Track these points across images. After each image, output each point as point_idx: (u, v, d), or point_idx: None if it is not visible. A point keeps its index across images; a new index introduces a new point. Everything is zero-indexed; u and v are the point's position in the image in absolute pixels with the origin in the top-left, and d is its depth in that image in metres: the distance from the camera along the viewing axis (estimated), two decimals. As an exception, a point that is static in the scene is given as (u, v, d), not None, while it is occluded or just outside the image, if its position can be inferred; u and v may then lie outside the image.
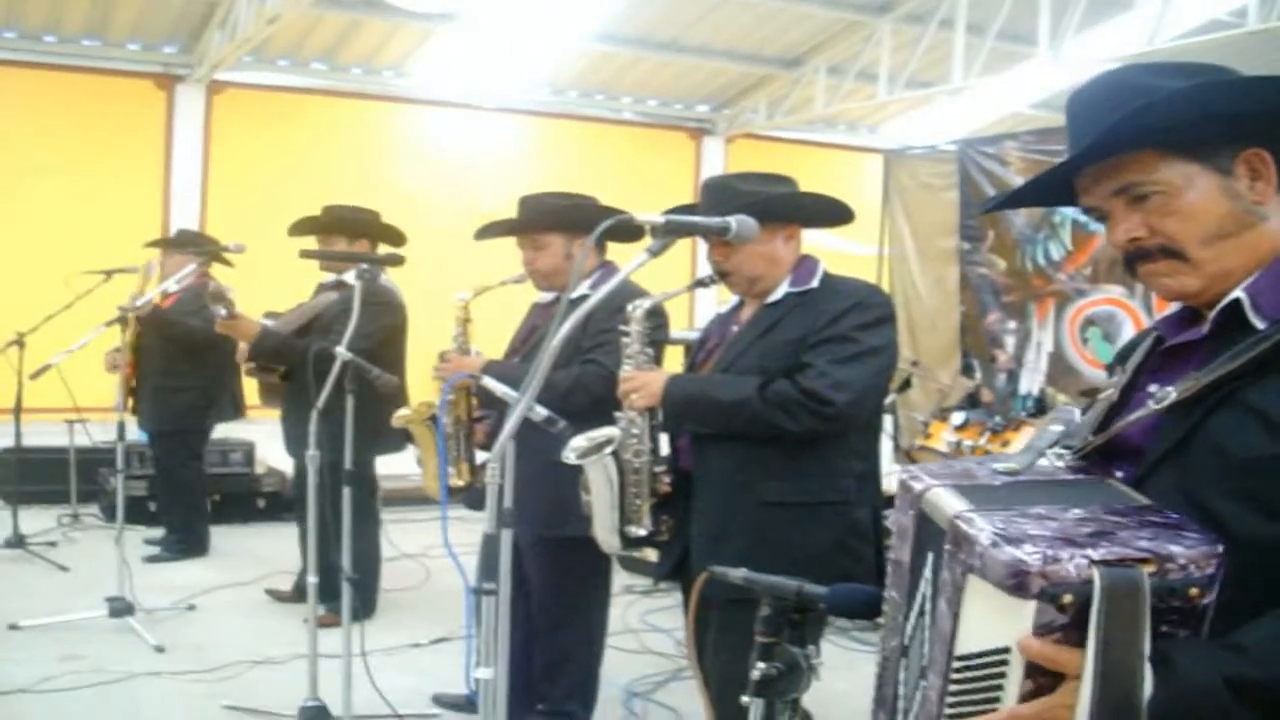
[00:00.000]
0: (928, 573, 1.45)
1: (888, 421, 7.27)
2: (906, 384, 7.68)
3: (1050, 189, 1.73)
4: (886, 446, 3.78)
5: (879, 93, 13.58)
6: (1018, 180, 7.80)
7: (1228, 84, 1.53)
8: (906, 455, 7.83)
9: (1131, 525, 1.34)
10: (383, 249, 5.60)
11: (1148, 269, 1.59)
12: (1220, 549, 1.31)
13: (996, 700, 1.36)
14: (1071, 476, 1.52)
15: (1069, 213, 7.52)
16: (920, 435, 7.11)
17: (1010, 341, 7.97)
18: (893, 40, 13.24)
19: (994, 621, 1.32)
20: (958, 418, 6.64)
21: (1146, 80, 1.56)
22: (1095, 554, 1.28)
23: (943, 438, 6.68)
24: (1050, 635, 1.30)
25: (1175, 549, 1.30)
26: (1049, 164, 6.37)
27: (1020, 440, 6.35)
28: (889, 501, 3.15)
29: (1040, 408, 7.33)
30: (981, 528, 1.32)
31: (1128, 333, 7.12)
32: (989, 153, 8.14)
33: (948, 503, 1.40)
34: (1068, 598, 1.27)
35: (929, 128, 16.01)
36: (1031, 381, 7.75)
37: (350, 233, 5.52)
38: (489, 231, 4.19)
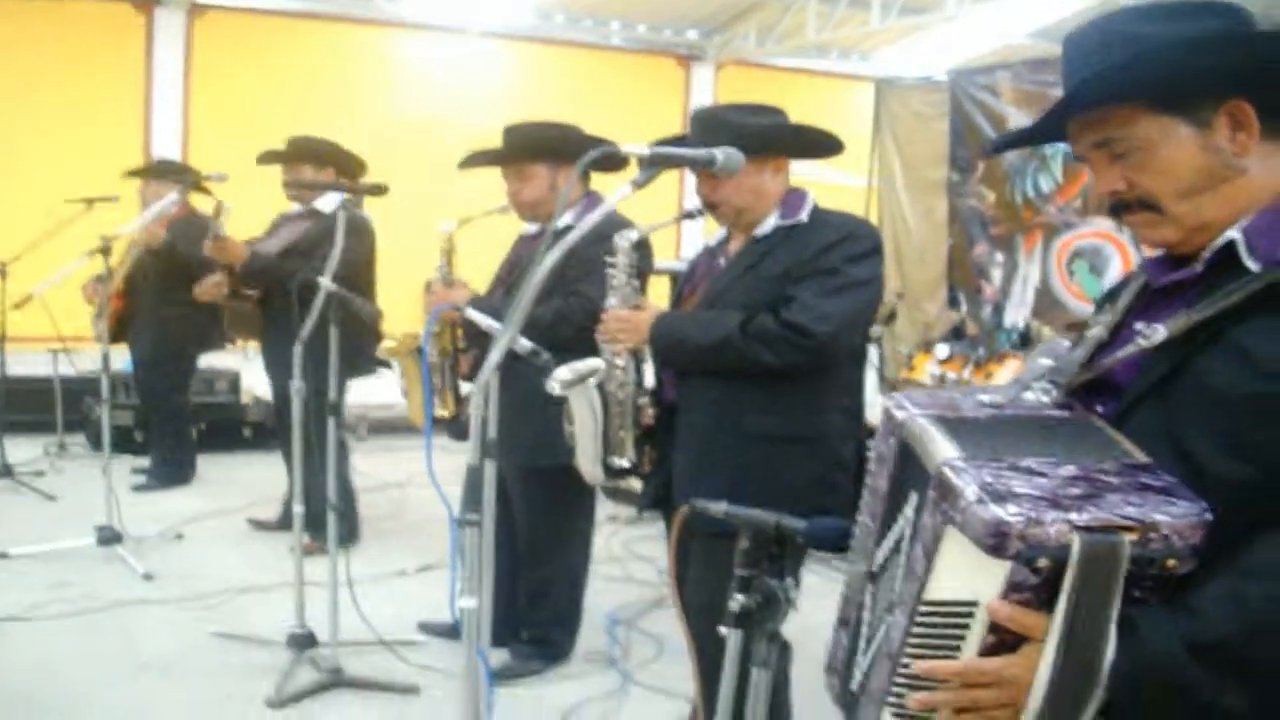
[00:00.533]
0: (909, 511, 1.44)
1: (873, 353, 7.29)
2: (892, 315, 7.69)
3: (1048, 131, 1.72)
4: (871, 378, 3.79)
5: (872, 20, 13.45)
6: (1010, 111, 7.75)
7: (1220, 39, 1.51)
8: (891, 387, 7.86)
9: (1123, 487, 1.32)
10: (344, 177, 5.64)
11: (1129, 219, 1.61)
12: (1208, 518, 1.30)
13: (957, 648, 1.37)
14: (1058, 414, 1.52)
15: (1060, 144, 7.48)
16: (904, 367, 7.14)
17: (997, 274, 7.95)
18: (885, -34, 13.08)
19: (967, 574, 1.32)
20: (942, 350, 6.67)
21: (1139, 28, 1.54)
22: (1079, 518, 1.26)
23: (926, 370, 6.71)
24: (1020, 594, 1.31)
25: (1161, 517, 1.28)
26: (1042, 95, 6.31)
27: (1004, 373, 6.39)
28: (873, 434, 3.17)
29: (1025, 341, 7.36)
30: (968, 481, 1.31)
31: (1115, 267, 7.12)
32: (981, 83, 8.07)
33: (939, 447, 1.39)
34: (1043, 561, 1.26)
35: (922, 56, 15.87)
36: (1017, 314, 7.75)
37: (316, 161, 5.60)
38: (473, 161, 4.16)
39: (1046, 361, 1.65)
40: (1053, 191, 7.58)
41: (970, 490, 1.29)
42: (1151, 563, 1.28)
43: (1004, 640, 1.33)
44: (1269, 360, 1.38)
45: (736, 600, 1.85)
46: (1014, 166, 7.80)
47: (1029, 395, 1.56)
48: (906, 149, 8.76)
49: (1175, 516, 1.28)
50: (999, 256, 7.94)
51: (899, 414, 1.50)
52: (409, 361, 4.15)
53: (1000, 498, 1.28)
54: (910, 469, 1.46)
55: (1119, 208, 1.60)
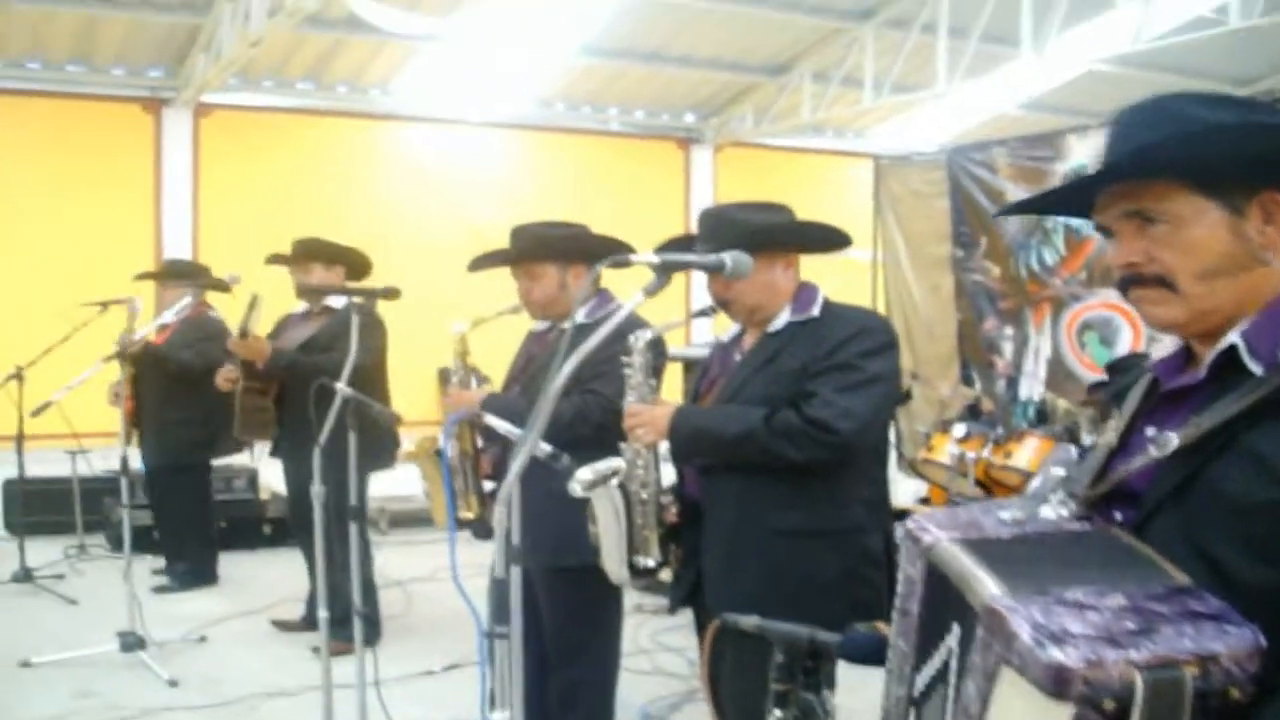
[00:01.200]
0: (953, 642, 1.44)
1: (890, 432, 7.29)
2: (907, 395, 7.70)
3: (1070, 199, 1.74)
4: (890, 457, 3.80)
5: (864, 98, 13.64)
6: (1008, 185, 7.84)
7: (1261, 128, 1.54)
8: (910, 467, 7.86)
9: (1174, 617, 1.31)
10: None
11: (1138, 294, 1.62)
12: (1263, 644, 1.30)
13: None
14: (1079, 528, 1.53)
15: (1061, 218, 7.55)
16: (923, 448, 7.14)
17: (1008, 348, 7.99)
18: (876, 45, 13.30)
19: (1026, 715, 1.30)
20: (959, 429, 6.67)
21: (1191, 110, 1.57)
22: (1139, 656, 1.26)
23: (945, 450, 6.71)
24: None
25: (1218, 648, 1.28)
26: (1037, 170, 6.37)
27: (1022, 451, 6.38)
28: (899, 516, 3.18)
29: (1041, 415, 7.36)
30: (1021, 622, 1.29)
31: (1125, 338, 7.15)
32: (978, 159, 8.17)
33: (981, 583, 1.37)
34: (1109, 703, 1.25)
35: (917, 131, 16.08)
36: (1031, 388, 7.77)
37: (325, 259, 5.72)
38: (483, 263, 4.21)
39: (1059, 471, 1.66)
40: (1057, 264, 7.64)
41: (1025, 632, 1.28)
42: (1214, 693, 1.27)
43: None
44: None
45: (774, 716, 1.86)
46: (1016, 241, 7.87)
47: (1047, 509, 1.57)
48: (908, 226, 8.82)
49: (1232, 646, 1.28)
50: (1009, 330, 7.98)
51: (925, 538, 1.49)
52: (429, 465, 4.17)
53: (1057, 639, 1.26)
54: (945, 596, 1.46)
55: (1130, 280, 1.61)
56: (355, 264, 5.81)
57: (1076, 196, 1.71)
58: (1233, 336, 1.53)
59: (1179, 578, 1.40)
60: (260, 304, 5.27)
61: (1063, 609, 1.31)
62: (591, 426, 3.70)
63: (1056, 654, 1.25)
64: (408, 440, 4.34)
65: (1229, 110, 1.57)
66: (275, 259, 5.76)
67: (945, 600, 1.46)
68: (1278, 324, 1.53)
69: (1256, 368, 1.49)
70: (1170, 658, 1.26)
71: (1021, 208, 1.94)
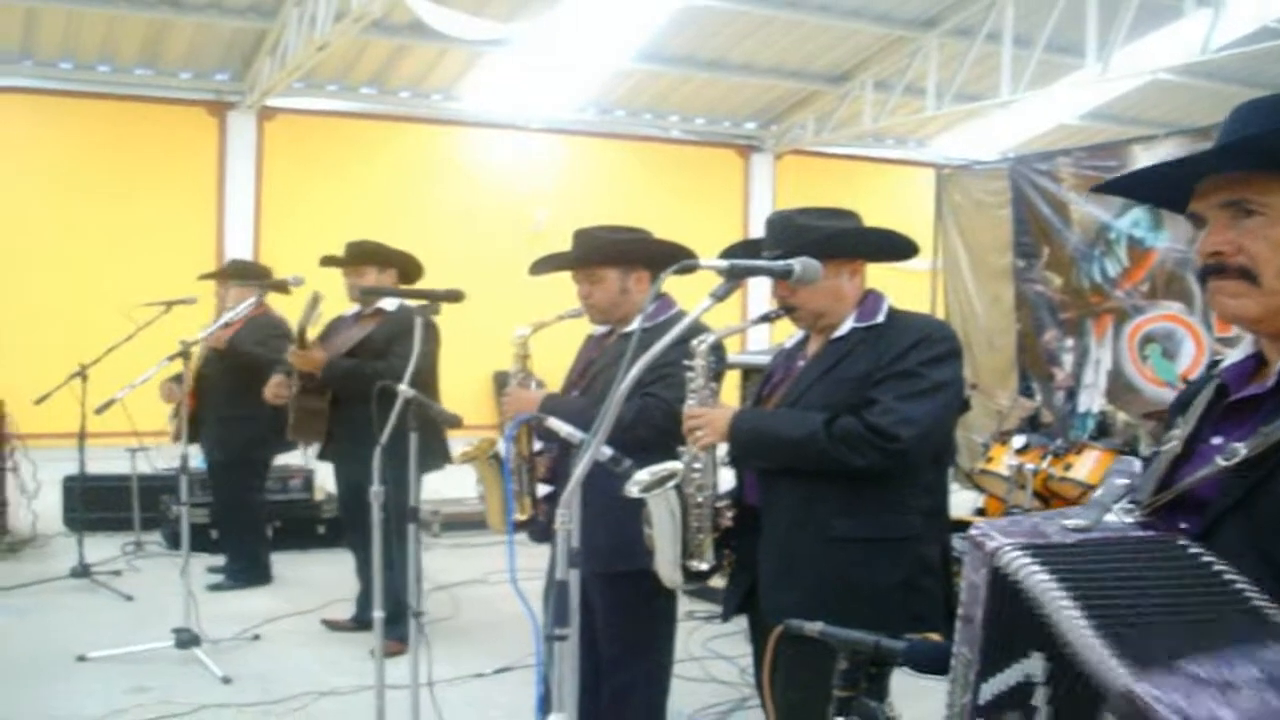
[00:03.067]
0: (1036, 672, 1.41)
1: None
2: (965, 405, 7.63)
3: (1171, 184, 1.71)
4: (948, 470, 3.77)
5: (927, 107, 13.55)
6: (1071, 196, 7.77)
7: None
8: (968, 478, 7.78)
9: None
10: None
11: (1217, 284, 1.60)
12: None
13: None
14: (1142, 534, 1.51)
15: (1124, 228, 7.46)
16: (981, 459, 7.06)
17: (1068, 360, 7.90)
18: (940, 54, 13.21)
19: None
20: (1018, 441, 6.60)
21: None
22: None
23: (1004, 461, 6.64)
24: None
25: None
26: (1101, 180, 6.31)
27: (1083, 463, 6.30)
28: (956, 527, 3.13)
29: (1101, 428, 7.27)
30: (1169, 715, 1.24)
31: (1187, 350, 7.04)
32: (1042, 169, 8.09)
33: (1106, 666, 1.30)
34: None
35: (979, 140, 15.95)
36: (1091, 400, 7.68)
37: (379, 262, 5.74)
38: (544, 266, 4.20)
39: (1122, 481, 1.64)
40: (1119, 275, 7.55)
41: None
42: None
43: None
44: None
45: (838, 723, 1.84)
46: (1079, 251, 7.78)
47: (1111, 518, 1.55)
48: (970, 236, 8.76)
49: None
50: (1069, 342, 7.89)
51: (989, 544, 1.48)
52: (486, 467, 4.17)
53: None
54: (1016, 610, 1.44)
55: (1211, 270, 1.59)
56: (407, 268, 5.83)
57: (1176, 183, 1.68)
58: None
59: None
60: (321, 302, 5.30)
61: (1202, 691, 1.26)
62: (653, 430, 3.68)
63: None
64: (462, 443, 4.33)
65: None
66: (329, 261, 5.79)
67: (1016, 615, 1.44)
68: None
69: None
70: None
71: (1119, 187, 1.89)
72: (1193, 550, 1.46)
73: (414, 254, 5.86)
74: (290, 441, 6.94)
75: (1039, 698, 1.42)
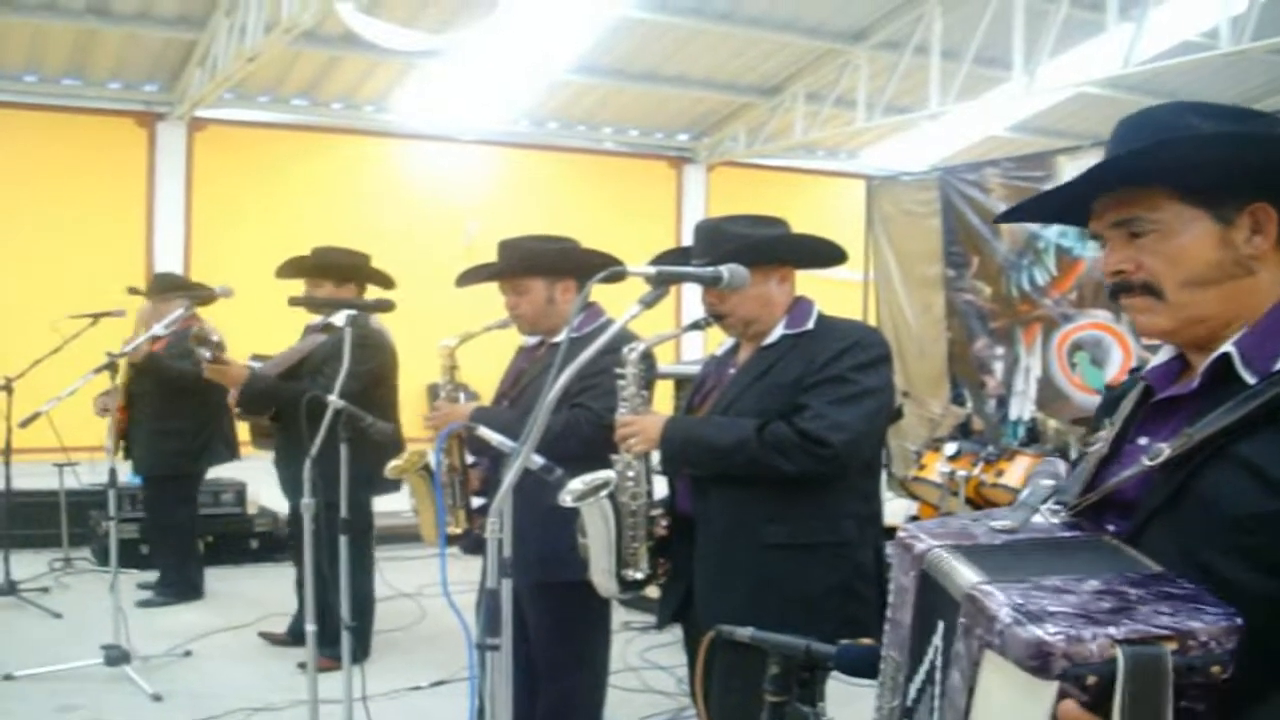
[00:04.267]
0: (937, 640, 1.44)
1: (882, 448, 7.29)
2: (898, 414, 7.71)
3: (1068, 207, 1.73)
4: (881, 477, 3.79)
5: (857, 119, 13.69)
6: (1000, 205, 7.86)
7: (1249, 138, 1.54)
8: (901, 485, 7.85)
9: (1149, 598, 1.33)
10: (371, 291, 5.61)
11: (1127, 302, 1.62)
12: (1239, 622, 1.31)
13: None
14: (1069, 535, 1.53)
15: (1052, 237, 7.58)
16: (914, 466, 7.14)
17: (999, 367, 8.00)
18: (869, 67, 13.36)
19: (1012, 699, 1.30)
20: (950, 448, 6.68)
21: (1185, 119, 1.57)
22: (1118, 632, 1.26)
23: (936, 468, 6.71)
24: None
25: (1196, 625, 1.29)
26: (1030, 190, 6.42)
27: (1013, 470, 6.39)
28: (889, 533, 3.17)
29: (1032, 435, 7.37)
30: (1001, 603, 1.31)
31: (1115, 357, 7.16)
32: (970, 180, 8.20)
33: (962, 574, 1.39)
34: (1091, 678, 1.26)
35: (909, 152, 16.13)
36: (1021, 407, 7.78)
37: (338, 276, 5.51)
38: (470, 278, 4.18)
39: (1048, 482, 1.65)
40: (1048, 284, 7.66)
41: (1004, 612, 1.29)
42: (1194, 670, 1.28)
43: None
44: None
45: (770, 728, 1.85)
46: (1008, 261, 7.89)
47: (1038, 519, 1.57)
48: (900, 246, 8.84)
49: (1209, 622, 1.29)
50: (999, 350, 8.00)
51: (917, 545, 1.49)
52: (417, 480, 4.14)
53: (1036, 617, 1.28)
54: (934, 598, 1.46)
55: (1120, 288, 1.62)
56: (373, 280, 5.64)
57: (1074, 204, 1.70)
58: (1226, 346, 1.53)
59: (1155, 567, 1.40)
60: (210, 333, 5.21)
61: (1041, 593, 1.33)
62: (580, 441, 3.67)
63: (1036, 630, 1.26)
64: (395, 459, 4.30)
65: (1227, 121, 1.56)
66: (288, 269, 5.57)
67: (934, 604, 1.46)
68: (1272, 334, 1.53)
69: (1250, 377, 1.49)
70: (1148, 634, 1.27)
71: (1020, 213, 1.93)
72: (1113, 544, 1.48)
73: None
74: (228, 452, 6.89)
75: (937, 660, 1.44)
